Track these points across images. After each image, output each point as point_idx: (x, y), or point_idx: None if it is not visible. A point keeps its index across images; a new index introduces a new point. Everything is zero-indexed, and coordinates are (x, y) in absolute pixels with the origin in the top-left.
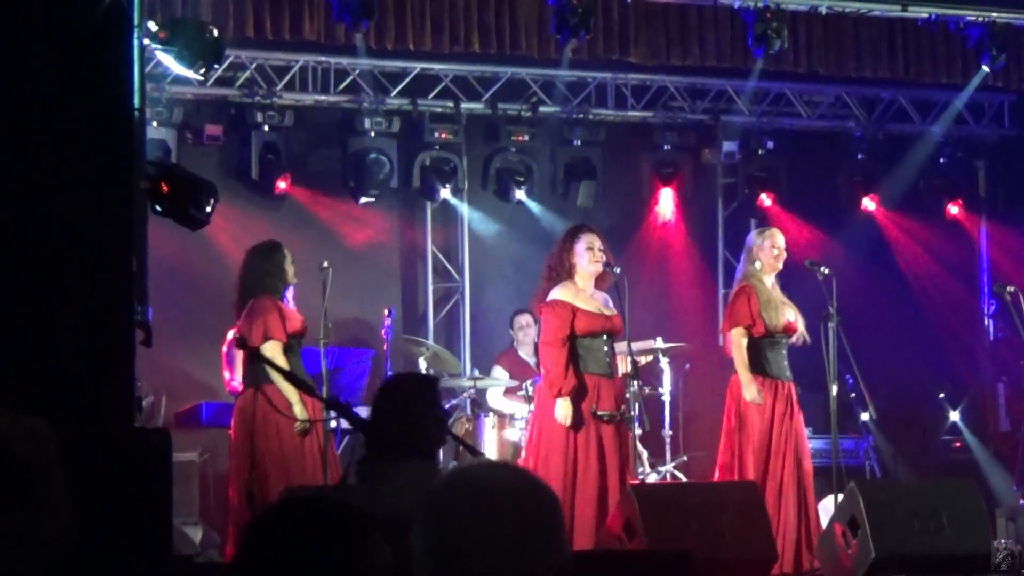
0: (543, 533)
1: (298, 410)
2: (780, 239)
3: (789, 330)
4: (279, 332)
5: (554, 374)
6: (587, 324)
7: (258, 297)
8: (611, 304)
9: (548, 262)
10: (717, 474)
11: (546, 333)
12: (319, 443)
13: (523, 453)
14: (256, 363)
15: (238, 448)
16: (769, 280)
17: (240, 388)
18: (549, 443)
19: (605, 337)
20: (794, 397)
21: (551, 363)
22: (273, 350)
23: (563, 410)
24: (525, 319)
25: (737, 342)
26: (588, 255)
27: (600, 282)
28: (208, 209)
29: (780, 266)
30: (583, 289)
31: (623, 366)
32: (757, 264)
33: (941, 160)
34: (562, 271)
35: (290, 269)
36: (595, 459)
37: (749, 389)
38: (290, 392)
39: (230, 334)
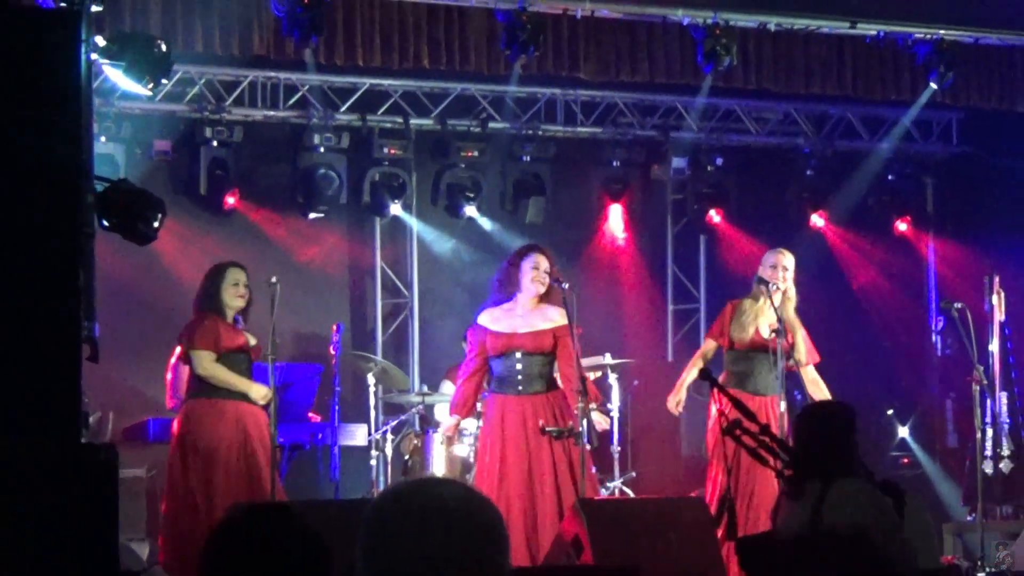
0: (484, 550)
1: (253, 391)
2: (783, 258)
3: (758, 346)
4: (206, 343)
5: (454, 396)
6: (493, 344)
7: (198, 313)
8: (556, 317)
9: (496, 276)
10: (709, 488)
11: (466, 354)
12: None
13: (473, 469)
14: (196, 375)
15: (176, 459)
16: (777, 297)
17: (175, 403)
18: (492, 458)
19: (517, 355)
20: (773, 413)
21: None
22: (199, 358)
23: (448, 421)
24: None
25: (700, 351)
26: (532, 274)
27: (548, 298)
28: (156, 224)
29: (780, 283)
30: (523, 305)
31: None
32: (761, 277)
33: (889, 177)
34: (508, 287)
35: (228, 293)
36: (543, 474)
37: (672, 399)
38: (236, 383)
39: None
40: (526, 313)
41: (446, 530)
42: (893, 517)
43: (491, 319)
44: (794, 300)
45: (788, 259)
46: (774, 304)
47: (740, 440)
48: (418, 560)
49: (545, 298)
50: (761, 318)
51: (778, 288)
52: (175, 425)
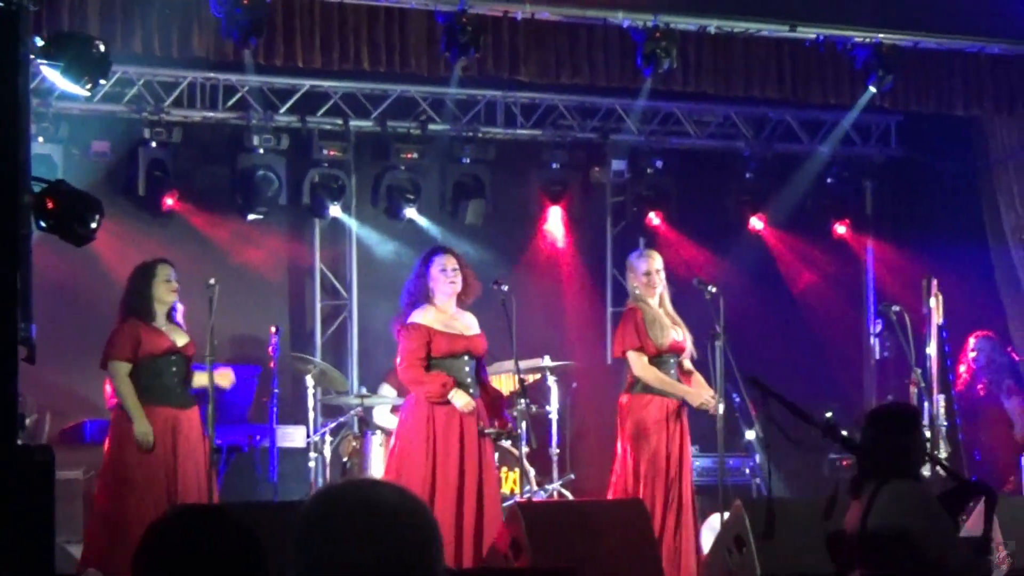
0: (419, 551)
1: (137, 425)
2: (653, 262)
3: (675, 349)
4: (122, 352)
5: (425, 387)
6: (444, 346)
7: (123, 319)
8: (476, 324)
9: (407, 287)
10: (612, 494)
11: (404, 355)
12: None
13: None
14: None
15: (109, 462)
16: (655, 300)
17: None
18: (413, 461)
19: (466, 357)
20: (683, 416)
21: (411, 379)
22: (113, 369)
23: (461, 399)
24: None
25: (637, 363)
26: (442, 277)
27: (463, 299)
28: (93, 225)
29: (655, 288)
30: (444, 311)
31: (510, 384)
32: (635, 287)
33: (828, 180)
34: (420, 296)
35: (160, 288)
36: (474, 476)
37: (701, 399)
38: (132, 409)
39: None
40: (460, 316)
41: (381, 531)
42: (945, 522)
43: (433, 320)
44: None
45: (660, 259)
46: (667, 301)
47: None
48: (352, 561)
49: (461, 303)
50: (665, 320)
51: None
52: (110, 428)
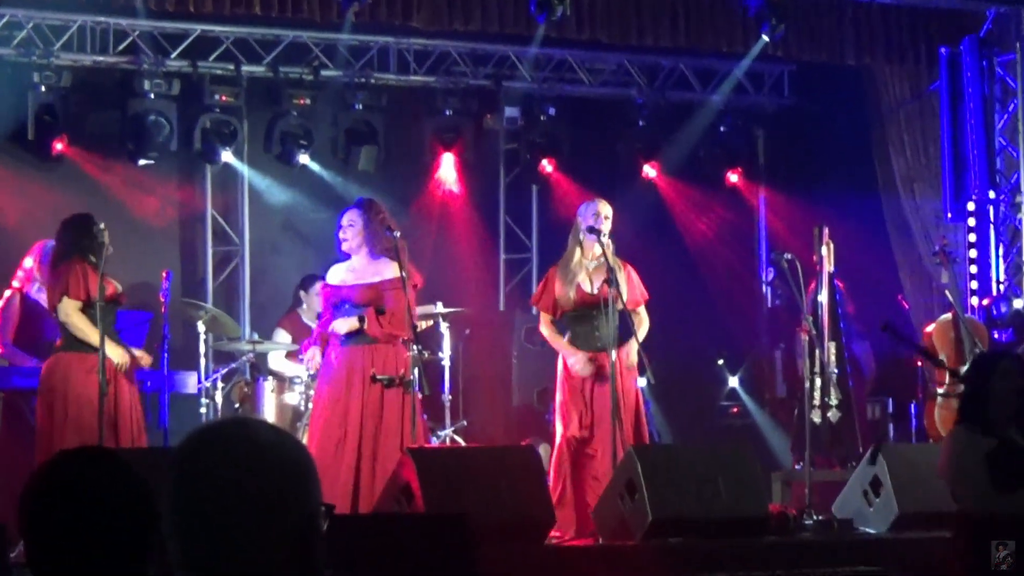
0: (298, 486)
1: (114, 353)
2: (603, 207)
3: (588, 302)
4: (78, 291)
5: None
6: (331, 296)
7: (68, 260)
8: (386, 271)
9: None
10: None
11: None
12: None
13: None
14: (63, 327)
15: (44, 413)
16: (596, 249)
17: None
18: (323, 406)
19: (346, 307)
20: (619, 365)
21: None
22: (68, 307)
23: (311, 363)
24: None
25: (544, 323)
26: (340, 233)
27: (372, 249)
28: None
29: (595, 239)
30: (352, 263)
31: None
32: (580, 233)
33: (721, 128)
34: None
35: (105, 237)
36: (372, 423)
37: (571, 360)
38: (96, 340)
39: (6, 294)
40: (360, 267)
41: (252, 467)
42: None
43: (333, 275)
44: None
45: (608, 207)
46: (607, 253)
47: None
48: (224, 497)
49: (386, 252)
50: (581, 273)
51: (605, 236)
52: (42, 377)
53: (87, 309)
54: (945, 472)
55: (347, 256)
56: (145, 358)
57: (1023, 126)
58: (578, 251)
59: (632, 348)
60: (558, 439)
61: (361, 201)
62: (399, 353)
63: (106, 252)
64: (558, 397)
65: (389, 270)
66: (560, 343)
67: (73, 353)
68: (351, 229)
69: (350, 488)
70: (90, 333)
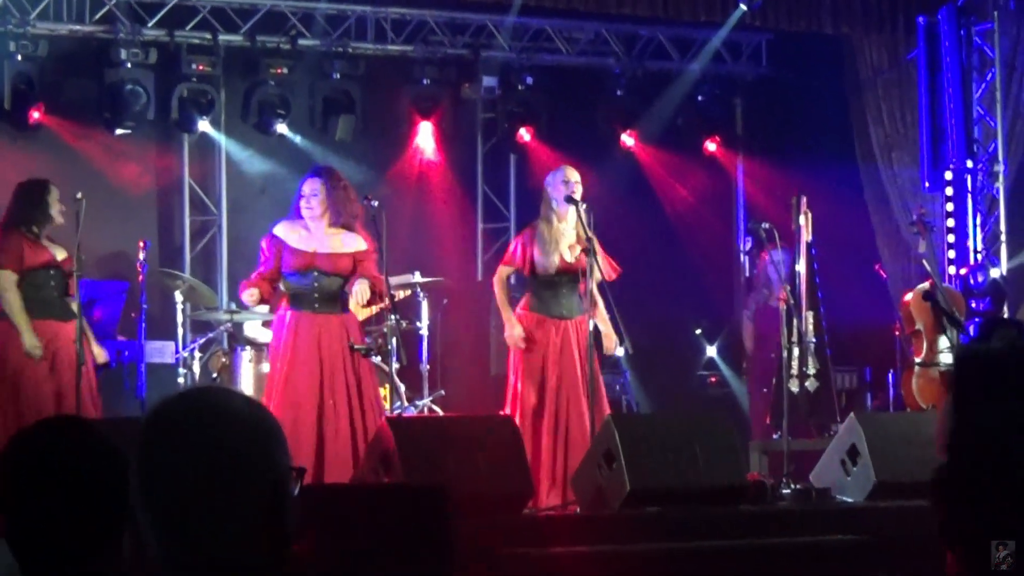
0: (255, 451)
1: (26, 338)
2: (573, 173)
3: (567, 271)
4: (10, 260)
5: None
6: (290, 261)
7: (6, 230)
8: (354, 243)
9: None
10: (507, 410)
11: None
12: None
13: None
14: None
15: None
16: (572, 217)
17: None
18: (298, 376)
19: (315, 274)
20: (580, 334)
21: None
22: (2, 279)
23: (251, 298)
24: None
25: (499, 280)
26: (302, 201)
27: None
28: None
29: (570, 207)
30: (308, 228)
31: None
32: (553, 203)
33: (699, 98)
34: (294, 213)
35: (54, 208)
36: (344, 391)
37: (508, 332)
38: (20, 320)
39: None
40: (321, 235)
41: (217, 434)
42: None
43: (290, 233)
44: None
45: (575, 172)
46: (583, 220)
47: None
48: (190, 465)
49: (350, 221)
50: (562, 241)
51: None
52: None
53: (27, 276)
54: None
55: (291, 216)
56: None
57: (1000, 95)
58: (554, 219)
59: (604, 319)
60: (512, 407)
61: (320, 169)
62: (360, 322)
63: (52, 222)
64: (513, 366)
65: (359, 241)
66: (506, 310)
67: (9, 322)
68: (315, 199)
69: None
70: (15, 310)
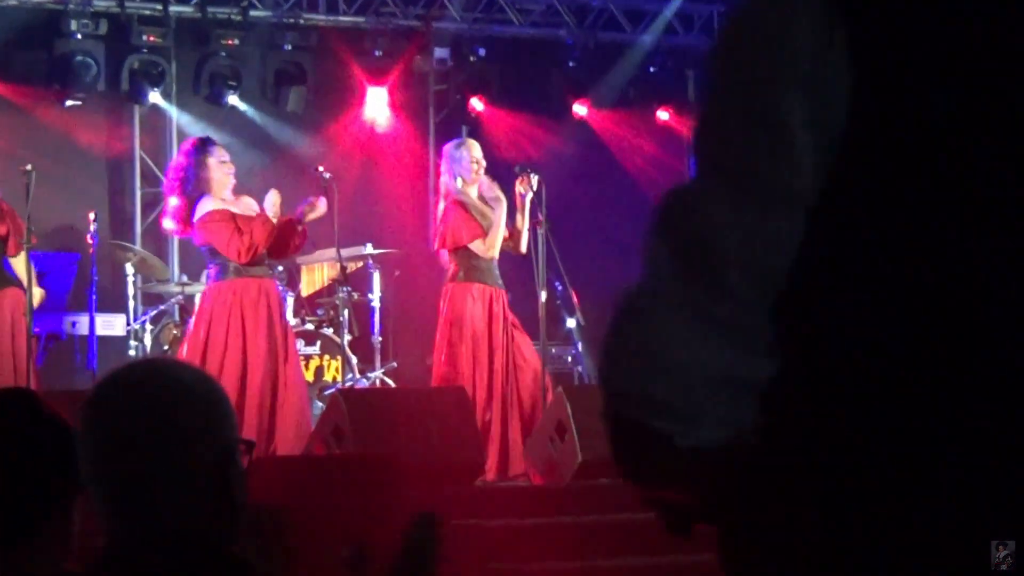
0: (200, 422)
1: None
2: (477, 151)
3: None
4: None
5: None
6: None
7: None
8: (256, 206)
9: (175, 176)
10: (433, 383)
11: (225, 244)
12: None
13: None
14: None
15: None
16: (474, 191)
17: None
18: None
19: None
20: (506, 304)
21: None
22: None
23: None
24: None
25: (481, 249)
26: (222, 168)
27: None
28: None
29: (480, 177)
30: (225, 199)
31: (333, 271)
32: (458, 179)
33: (651, 69)
34: (196, 185)
35: None
36: (286, 361)
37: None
38: None
39: None
40: (240, 202)
41: (170, 403)
42: None
43: (227, 206)
44: None
45: (479, 150)
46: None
47: None
48: (142, 434)
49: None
50: (485, 210)
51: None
52: None
53: None
54: None
55: (190, 189)
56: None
57: None
58: (474, 191)
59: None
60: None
61: (211, 138)
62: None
63: None
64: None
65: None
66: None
67: None
68: (230, 164)
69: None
70: None
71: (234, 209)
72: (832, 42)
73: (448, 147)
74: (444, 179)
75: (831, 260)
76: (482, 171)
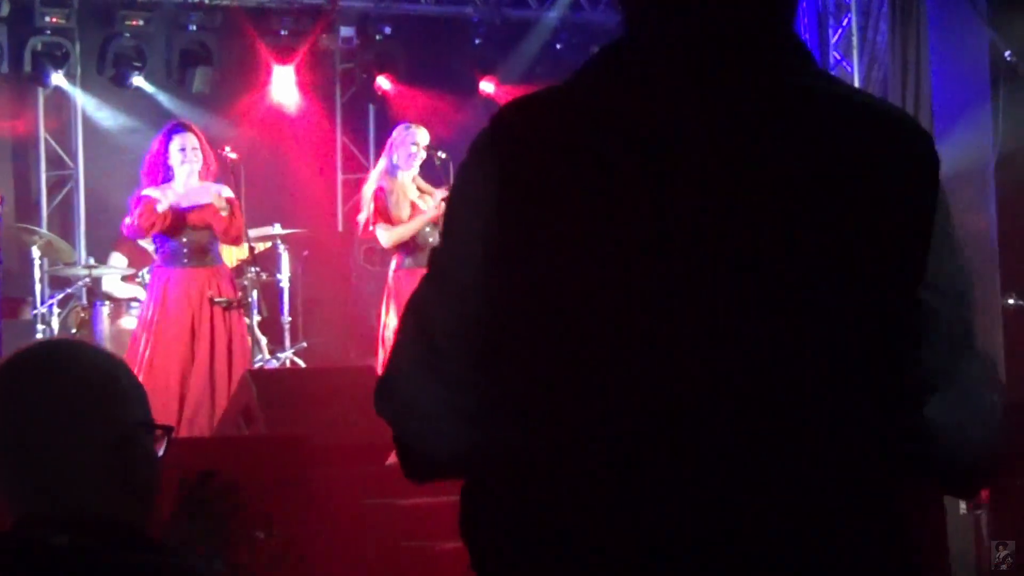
0: (99, 403)
1: None
2: (421, 136)
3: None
4: None
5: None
6: (168, 221)
7: None
8: (217, 191)
9: (146, 162)
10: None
11: (136, 222)
12: None
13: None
14: None
15: None
16: (408, 175)
17: None
18: (166, 328)
19: (187, 229)
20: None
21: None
22: None
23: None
24: None
25: (384, 236)
26: (181, 156)
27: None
28: None
29: (415, 164)
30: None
31: (238, 253)
32: (395, 158)
33: (558, 46)
34: (159, 174)
35: None
36: (207, 346)
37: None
38: None
39: None
40: (190, 190)
41: (67, 385)
42: None
43: (160, 193)
44: None
45: (424, 136)
46: (419, 180)
47: None
48: (38, 417)
49: (206, 175)
50: (411, 193)
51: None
52: None
53: None
54: None
55: (154, 178)
56: None
57: (857, 40)
58: (410, 172)
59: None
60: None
61: (186, 123)
62: (231, 275)
63: None
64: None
65: (223, 190)
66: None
67: None
68: (195, 151)
69: (197, 411)
70: None
71: (157, 194)
72: (491, 191)
73: (397, 128)
74: (382, 159)
75: (496, 330)
76: (419, 158)
